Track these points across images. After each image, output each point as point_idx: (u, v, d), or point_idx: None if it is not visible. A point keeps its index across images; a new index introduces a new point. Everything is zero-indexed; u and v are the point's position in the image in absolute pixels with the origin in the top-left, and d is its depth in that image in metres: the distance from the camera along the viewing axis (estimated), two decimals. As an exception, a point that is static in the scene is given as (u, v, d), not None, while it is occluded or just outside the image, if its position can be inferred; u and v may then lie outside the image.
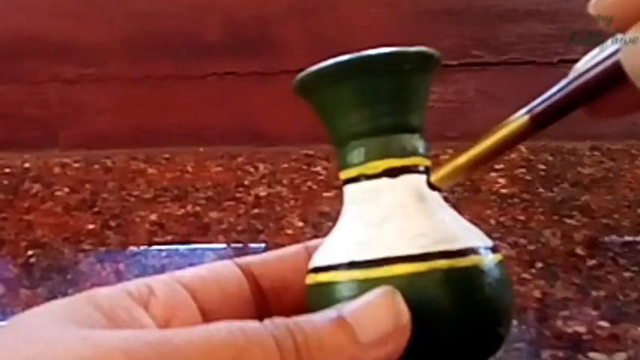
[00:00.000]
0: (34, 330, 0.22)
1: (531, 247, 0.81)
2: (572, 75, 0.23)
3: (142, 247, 0.87)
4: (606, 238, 0.83)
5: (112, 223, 0.92)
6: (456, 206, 0.26)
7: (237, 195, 0.96)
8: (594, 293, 0.74)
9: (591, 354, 0.65)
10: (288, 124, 1.01)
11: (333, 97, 0.26)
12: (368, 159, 0.26)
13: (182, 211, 0.93)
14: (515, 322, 0.70)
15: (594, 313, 0.71)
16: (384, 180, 0.26)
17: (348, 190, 0.27)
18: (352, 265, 0.24)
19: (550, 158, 1.01)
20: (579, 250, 0.81)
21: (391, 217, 0.25)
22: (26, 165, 1.07)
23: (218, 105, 1.08)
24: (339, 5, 1.06)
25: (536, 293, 0.74)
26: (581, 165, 0.99)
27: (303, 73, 0.26)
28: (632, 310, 0.71)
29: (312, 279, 0.26)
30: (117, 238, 0.89)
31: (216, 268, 0.28)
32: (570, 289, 0.75)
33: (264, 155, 1.03)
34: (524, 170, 0.98)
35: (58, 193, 1.00)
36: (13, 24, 1.10)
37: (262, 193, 0.95)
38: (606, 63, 0.21)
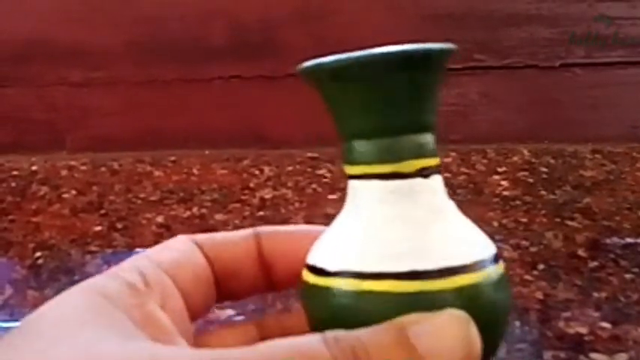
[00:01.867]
0: (70, 339, 0.21)
1: (533, 249, 0.81)
2: None
3: (149, 249, 0.87)
4: (607, 240, 0.83)
5: (119, 225, 0.92)
6: (459, 208, 0.26)
7: (243, 197, 0.96)
8: (596, 294, 0.73)
9: (593, 354, 0.65)
10: (293, 127, 1.02)
11: (345, 93, 0.25)
12: (384, 159, 0.25)
13: (188, 213, 0.93)
14: (517, 323, 0.70)
15: (596, 314, 0.71)
16: (398, 181, 0.25)
17: (353, 185, 0.26)
18: (356, 275, 0.24)
19: (552, 161, 1.01)
20: (581, 252, 0.81)
21: (398, 225, 0.24)
22: (34, 168, 1.07)
23: (224, 108, 1.08)
24: (342, 9, 1.06)
25: (538, 294, 0.74)
26: (583, 168, 0.99)
27: (319, 62, 0.25)
28: (633, 311, 0.71)
29: (312, 279, 0.25)
30: (123, 239, 0.89)
31: (183, 250, 0.28)
32: (572, 290, 0.74)
33: (269, 158, 1.03)
34: (526, 173, 0.98)
35: (66, 195, 1.00)
36: (21, 28, 1.10)
37: (267, 196, 0.95)
38: None
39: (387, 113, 0.25)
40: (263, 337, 0.28)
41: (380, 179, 0.25)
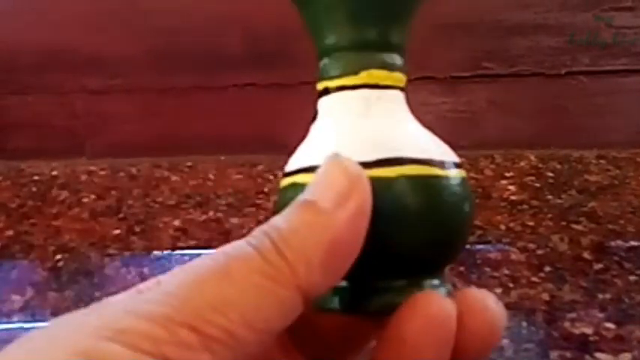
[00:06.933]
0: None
1: (540, 252, 0.82)
2: None
3: (166, 252, 0.87)
4: (612, 243, 0.84)
5: (137, 229, 0.93)
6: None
7: (257, 201, 0.96)
8: (600, 296, 0.74)
9: (597, 354, 0.66)
10: (306, 133, 1.02)
11: (316, 7, 0.26)
12: (351, 71, 0.26)
13: (204, 217, 0.94)
14: (524, 323, 0.71)
15: (600, 315, 0.72)
16: (362, 91, 0.26)
17: (322, 101, 0.27)
18: (309, 169, 0.25)
19: (558, 166, 1.02)
20: (586, 255, 0.82)
21: (364, 126, 0.25)
22: (54, 173, 1.08)
23: (239, 115, 1.09)
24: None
25: (545, 296, 0.75)
26: (588, 173, 1.00)
27: None
28: (636, 312, 0.72)
29: (281, 182, 0.27)
30: (141, 243, 0.90)
31: None
32: (577, 291, 0.75)
33: (283, 163, 1.02)
34: (533, 178, 0.99)
35: (85, 199, 1.01)
36: (42, 37, 1.10)
37: (281, 200, 0.95)
38: None
39: (358, 27, 0.26)
40: None
41: (347, 90, 0.26)
